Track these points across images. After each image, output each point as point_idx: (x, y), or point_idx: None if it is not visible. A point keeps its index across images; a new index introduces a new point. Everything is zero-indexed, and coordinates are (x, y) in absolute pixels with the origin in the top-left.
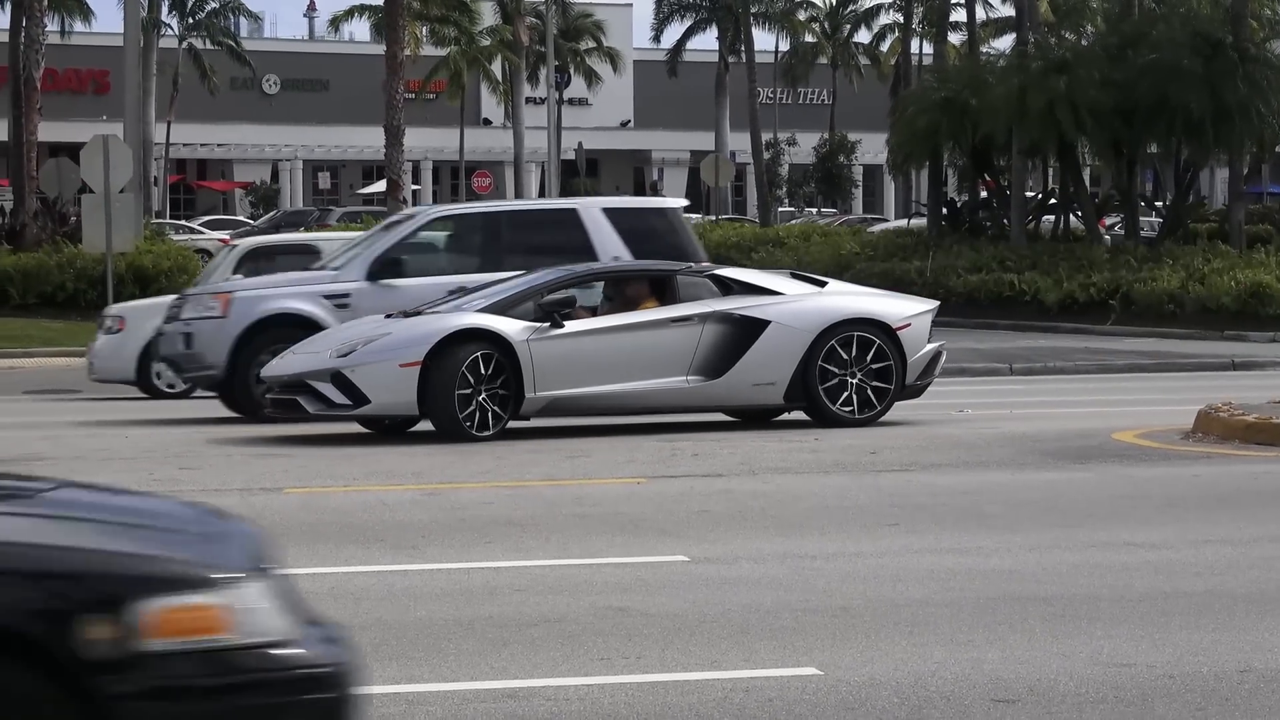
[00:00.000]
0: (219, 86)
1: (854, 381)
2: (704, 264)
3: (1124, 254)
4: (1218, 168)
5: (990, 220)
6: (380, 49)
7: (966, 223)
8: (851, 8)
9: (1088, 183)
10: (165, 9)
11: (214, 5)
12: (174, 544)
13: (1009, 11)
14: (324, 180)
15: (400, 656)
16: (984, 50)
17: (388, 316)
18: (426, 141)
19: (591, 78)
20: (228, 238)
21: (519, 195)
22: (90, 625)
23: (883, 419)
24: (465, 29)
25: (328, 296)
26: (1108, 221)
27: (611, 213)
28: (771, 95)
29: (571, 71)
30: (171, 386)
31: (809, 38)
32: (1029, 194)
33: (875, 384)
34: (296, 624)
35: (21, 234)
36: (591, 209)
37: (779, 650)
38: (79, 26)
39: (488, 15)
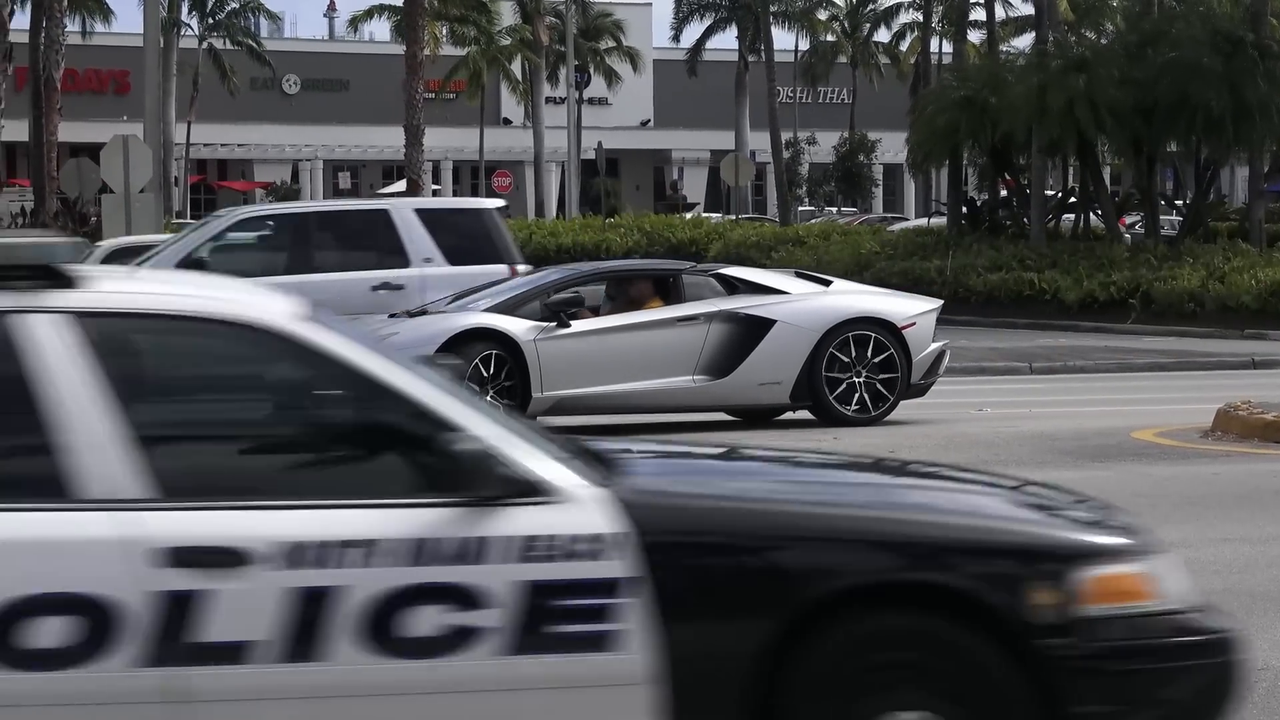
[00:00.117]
0: (239, 87)
1: (860, 380)
2: (708, 264)
3: (1144, 253)
4: (1238, 166)
5: (1010, 219)
6: (400, 49)
7: (986, 221)
8: (871, 7)
9: (1108, 181)
10: (185, 9)
11: (234, 5)
12: (1078, 520)
13: (1028, 10)
14: (344, 180)
15: None
16: (1003, 49)
17: (391, 316)
18: (446, 141)
19: (611, 77)
20: None
21: (539, 195)
22: (1038, 593)
23: (900, 418)
24: (484, 29)
25: None
26: (1128, 220)
27: (424, 213)
28: (791, 94)
29: (591, 71)
30: None
31: (829, 37)
32: (1049, 193)
33: (880, 383)
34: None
35: None
36: (403, 210)
37: None
38: (99, 27)
39: (507, 15)
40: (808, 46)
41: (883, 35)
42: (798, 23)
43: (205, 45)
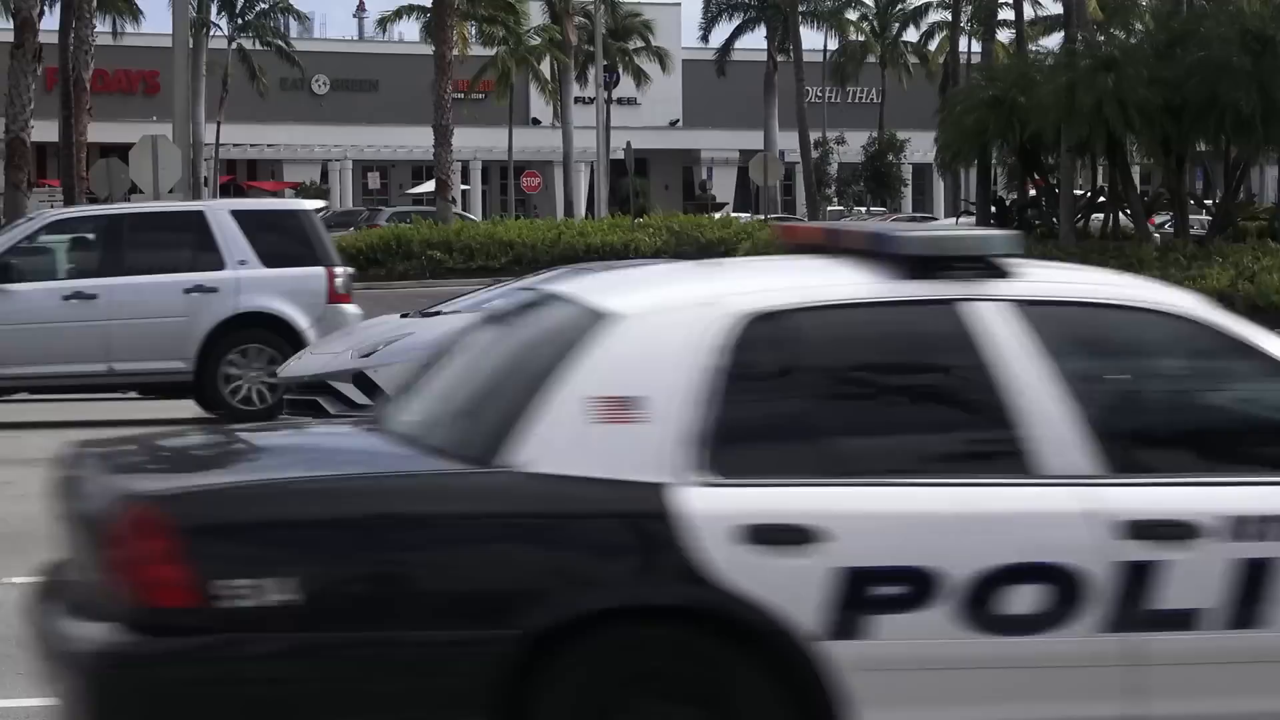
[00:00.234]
0: (268, 87)
1: None
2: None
3: (1173, 252)
4: (1267, 165)
5: (1039, 218)
6: (429, 49)
7: (1015, 221)
8: (900, 6)
9: (1137, 181)
10: (214, 10)
11: (263, 6)
12: None
13: (1057, 9)
14: (373, 180)
15: None
16: (1032, 48)
17: (403, 316)
18: (475, 141)
19: (640, 77)
20: None
21: (568, 195)
22: None
23: None
24: (513, 29)
25: None
26: (1157, 219)
27: (239, 215)
28: (820, 94)
29: (620, 71)
30: None
31: (857, 36)
32: (1078, 192)
33: None
34: None
35: None
36: (219, 211)
37: None
38: (129, 27)
39: (535, 15)
40: (836, 46)
41: (911, 35)
42: (826, 22)
43: (234, 45)
